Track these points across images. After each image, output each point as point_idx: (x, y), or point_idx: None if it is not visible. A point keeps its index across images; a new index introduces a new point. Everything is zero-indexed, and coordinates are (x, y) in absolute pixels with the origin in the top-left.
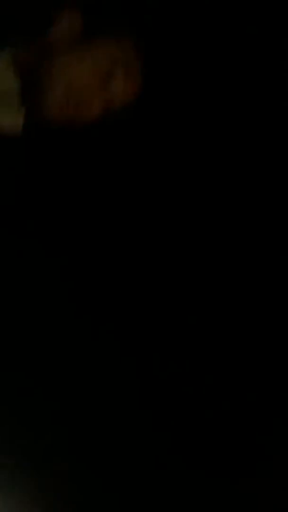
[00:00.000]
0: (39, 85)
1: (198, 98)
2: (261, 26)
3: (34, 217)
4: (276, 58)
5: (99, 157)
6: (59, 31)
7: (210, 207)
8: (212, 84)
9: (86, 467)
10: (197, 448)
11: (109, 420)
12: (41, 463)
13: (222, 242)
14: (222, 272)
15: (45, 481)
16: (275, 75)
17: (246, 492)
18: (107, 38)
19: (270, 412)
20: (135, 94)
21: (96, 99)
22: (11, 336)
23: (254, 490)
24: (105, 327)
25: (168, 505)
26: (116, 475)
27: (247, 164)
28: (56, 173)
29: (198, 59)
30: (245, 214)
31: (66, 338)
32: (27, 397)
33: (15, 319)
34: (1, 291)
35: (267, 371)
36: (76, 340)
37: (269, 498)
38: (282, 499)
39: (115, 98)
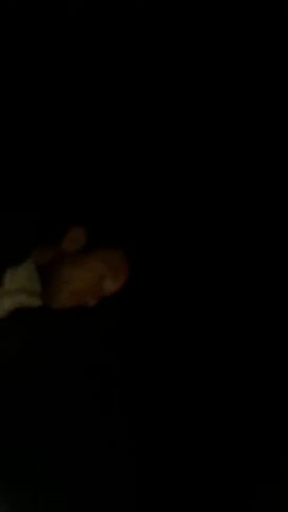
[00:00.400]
0: (52, 285)
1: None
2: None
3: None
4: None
5: (95, 331)
6: (68, 243)
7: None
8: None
9: None
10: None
11: None
12: None
13: None
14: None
15: None
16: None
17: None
18: (102, 248)
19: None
20: (120, 288)
21: (92, 296)
22: None
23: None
24: None
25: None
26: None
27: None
28: (62, 342)
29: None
30: None
31: None
32: None
33: None
34: None
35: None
36: None
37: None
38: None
39: (106, 293)
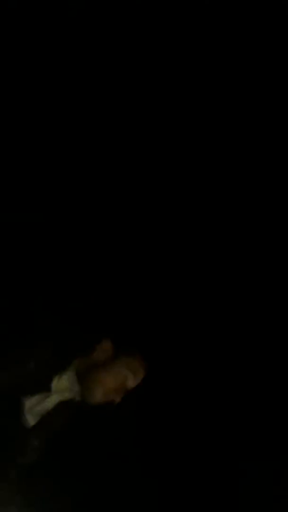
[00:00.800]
0: (88, 387)
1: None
2: None
3: None
4: None
5: (121, 418)
6: (99, 353)
7: None
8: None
9: None
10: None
11: None
12: None
13: None
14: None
15: None
16: None
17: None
18: (124, 355)
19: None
20: (139, 385)
21: (118, 393)
22: None
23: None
24: None
25: None
26: None
27: None
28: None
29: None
30: None
31: None
32: None
33: None
34: None
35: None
36: None
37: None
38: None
39: (128, 390)
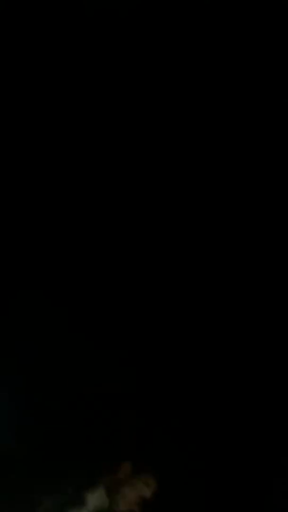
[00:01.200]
0: (115, 500)
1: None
2: None
3: None
4: None
5: None
6: (122, 473)
7: None
8: None
9: None
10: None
11: None
12: None
13: None
14: None
15: None
16: None
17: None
18: (141, 473)
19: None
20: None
21: (138, 504)
22: None
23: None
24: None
25: None
26: None
27: None
28: None
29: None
30: None
31: None
32: None
33: None
34: None
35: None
36: None
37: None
38: None
39: (145, 500)
